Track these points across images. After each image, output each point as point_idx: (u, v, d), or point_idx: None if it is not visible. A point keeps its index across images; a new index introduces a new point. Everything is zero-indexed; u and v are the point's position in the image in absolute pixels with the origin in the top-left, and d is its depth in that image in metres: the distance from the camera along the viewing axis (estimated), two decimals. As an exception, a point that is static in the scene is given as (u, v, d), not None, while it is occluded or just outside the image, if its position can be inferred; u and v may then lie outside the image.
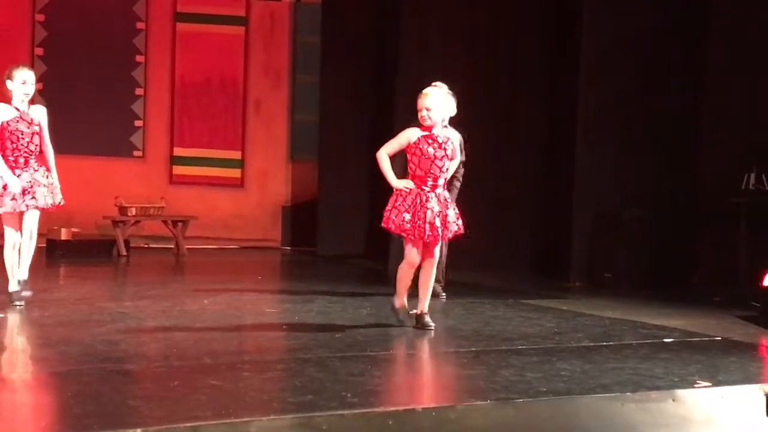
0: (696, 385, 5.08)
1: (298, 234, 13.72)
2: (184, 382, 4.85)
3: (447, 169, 6.64)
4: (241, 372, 5.10)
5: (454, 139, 6.76)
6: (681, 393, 4.91)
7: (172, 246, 12.65)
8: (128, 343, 6.00)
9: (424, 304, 6.68)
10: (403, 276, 6.66)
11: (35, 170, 7.23)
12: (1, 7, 13.41)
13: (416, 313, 6.71)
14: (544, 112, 11.02)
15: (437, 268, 6.99)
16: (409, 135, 6.57)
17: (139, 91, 13.98)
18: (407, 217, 6.46)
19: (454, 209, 6.65)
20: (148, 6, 13.98)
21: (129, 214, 12.20)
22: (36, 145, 7.26)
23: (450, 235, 6.64)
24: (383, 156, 6.59)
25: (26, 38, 13.54)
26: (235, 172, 14.22)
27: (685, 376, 5.31)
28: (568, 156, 10.21)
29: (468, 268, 10.12)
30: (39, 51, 13.57)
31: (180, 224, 12.65)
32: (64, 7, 13.64)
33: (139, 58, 13.96)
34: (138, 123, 13.99)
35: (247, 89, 14.24)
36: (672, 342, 6.49)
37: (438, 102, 6.58)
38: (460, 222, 6.65)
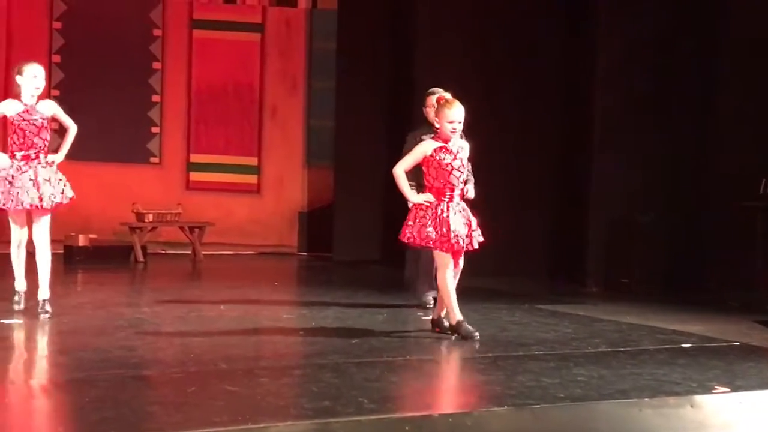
0: (714, 391, 5.05)
1: (315, 240, 13.72)
2: (200, 387, 4.85)
3: (464, 180, 6.55)
4: (257, 378, 5.10)
5: (465, 147, 6.61)
6: (699, 399, 4.89)
7: (189, 252, 12.67)
8: (145, 349, 6.01)
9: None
10: (448, 286, 6.40)
11: (43, 167, 6.98)
12: (18, 14, 13.49)
13: (434, 319, 6.68)
14: (560, 117, 10.99)
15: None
16: (425, 148, 6.45)
17: (155, 98, 14.04)
18: (430, 230, 6.33)
19: (474, 218, 6.54)
20: (164, 13, 14.04)
21: (146, 221, 12.23)
22: (44, 140, 7.03)
23: (476, 245, 6.47)
24: (400, 173, 6.47)
25: (44, 46, 13.61)
26: (252, 178, 14.26)
27: (703, 381, 5.28)
28: (585, 160, 10.19)
29: (484, 274, 10.09)
30: (56, 58, 13.65)
31: (197, 230, 12.67)
32: (81, 15, 13.72)
33: (156, 65, 14.02)
34: (155, 129, 14.05)
35: (263, 95, 14.28)
36: (690, 347, 6.46)
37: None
38: (479, 231, 6.53)
